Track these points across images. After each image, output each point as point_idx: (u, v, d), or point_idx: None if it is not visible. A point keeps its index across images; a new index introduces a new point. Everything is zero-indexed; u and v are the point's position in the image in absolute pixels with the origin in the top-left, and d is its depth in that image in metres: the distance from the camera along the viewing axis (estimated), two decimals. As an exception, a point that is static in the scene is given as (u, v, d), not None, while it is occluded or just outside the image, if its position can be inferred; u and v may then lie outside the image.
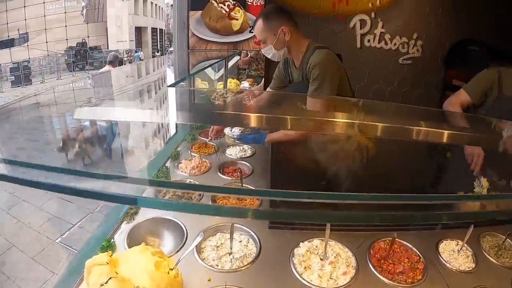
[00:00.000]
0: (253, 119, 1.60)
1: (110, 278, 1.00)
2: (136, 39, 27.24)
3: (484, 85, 2.00)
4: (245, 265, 1.29)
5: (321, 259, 1.30)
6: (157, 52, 30.77)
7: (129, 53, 24.35)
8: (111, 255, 1.11)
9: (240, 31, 3.71)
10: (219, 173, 2.03)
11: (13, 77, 16.94)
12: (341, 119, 1.46)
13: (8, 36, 23.26)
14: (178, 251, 1.35)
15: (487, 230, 1.52)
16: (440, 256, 1.37)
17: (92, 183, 0.68)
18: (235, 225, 1.43)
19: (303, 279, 1.23)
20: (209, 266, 1.28)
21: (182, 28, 3.68)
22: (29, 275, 2.96)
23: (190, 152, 2.29)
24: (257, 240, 1.41)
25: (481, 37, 3.47)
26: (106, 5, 25.31)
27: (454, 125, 1.82)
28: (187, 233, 1.44)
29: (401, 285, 1.22)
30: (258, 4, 3.61)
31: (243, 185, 1.81)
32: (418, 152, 1.93)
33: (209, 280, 1.21)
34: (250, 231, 1.46)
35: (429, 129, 1.39)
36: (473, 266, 1.33)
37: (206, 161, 2.16)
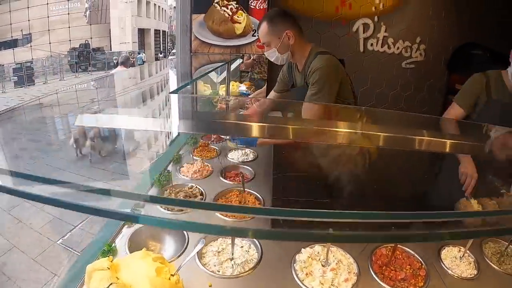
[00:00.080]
0: (254, 129, 1.60)
1: (111, 284, 1.00)
2: (139, 40, 27.30)
3: (474, 93, 2.00)
4: (247, 271, 1.28)
5: (322, 266, 1.30)
6: (160, 54, 30.85)
7: (132, 55, 24.43)
8: (112, 260, 1.11)
9: (243, 35, 3.70)
10: (221, 178, 2.03)
11: (16, 77, 17.03)
12: (338, 128, 1.47)
13: (12, 36, 23.39)
14: (179, 256, 1.34)
15: (490, 237, 1.51)
16: (442, 262, 1.36)
17: (91, 198, 0.67)
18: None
19: (305, 285, 1.22)
20: (210, 271, 1.27)
21: (184, 32, 3.69)
22: (30, 276, 2.96)
23: (192, 156, 2.28)
24: (259, 246, 1.41)
25: (484, 41, 3.48)
26: (109, 7, 25.40)
27: (453, 133, 1.83)
28: (188, 238, 1.44)
29: (403, 292, 1.22)
30: (261, 7, 3.62)
31: (245, 189, 1.81)
32: (419, 161, 1.93)
33: (210, 286, 1.21)
34: (251, 236, 1.46)
35: (430, 138, 1.39)
36: (475, 273, 1.32)
37: (208, 165, 2.15)
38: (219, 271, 1.28)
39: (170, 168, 2.15)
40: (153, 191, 1.85)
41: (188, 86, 2.36)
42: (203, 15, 3.68)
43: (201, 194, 1.83)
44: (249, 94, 3.74)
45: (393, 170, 1.91)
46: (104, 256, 1.27)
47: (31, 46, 23.74)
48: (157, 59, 29.16)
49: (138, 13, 26.78)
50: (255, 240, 1.44)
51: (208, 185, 1.92)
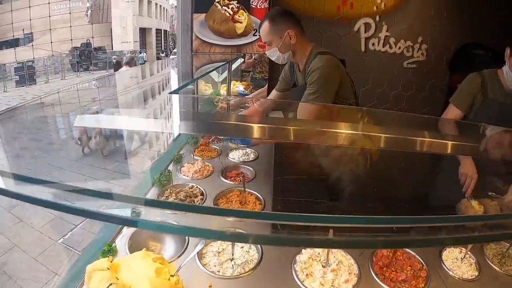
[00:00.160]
0: (255, 130, 1.60)
1: (110, 284, 1.00)
2: (140, 40, 27.34)
3: (470, 93, 1.99)
4: (247, 272, 1.28)
5: (323, 266, 1.29)
6: (162, 53, 30.86)
7: (133, 54, 24.46)
8: (111, 261, 1.11)
9: (244, 34, 3.69)
10: (221, 177, 2.02)
11: (18, 76, 17.07)
12: (335, 129, 1.47)
13: (13, 36, 23.45)
14: (179, 256, 1.34)
15: (494, 241, 1.50)
16: (443, 264, 1.36)
17: (88, 202, 0.67)
18: (237, 230, 1.42)
19: (305, 286, 1.22)
20: (211, 272, 1.27)
21: (185, 31, 3.68)
22: (30, 275, 2.97)
23: (193, 155, 2.28)
24: (259, 246, 1.40)
25: (486, 41, 3.46)
26: (111, 6, 25.43)
27: (453, 134, 1.82)
28: (188, 238, 1.43)
29: (403, 293, 1.21)
30: (262, 7, 3.61)
31: (246, 189, 1.81)
32: (419, 162, 1.93)
33: (210, 287, 1.20)
34: (252, 236, 1.45)
35: (430, 139, 1.38)
36: (477, 274, 1.31)
37: (208, 165, 2.15)
38: (219, 272, 1.27)
39: (170, 167, 2.15)
40: (153, 191, 1.85)
41: (190, 86, 2.35)
42: (204, 14, 3.67)
43: (202, 194, 1.82)
44: (246, 95, 3.71)
45: (393, 171, 1.90)
46: (104, 256, 1.27)
47: (32, 45, 23.80)
48: (158, 58, 29.20)
49: (139, 12, 26.81)
50: (255, 240, 1.44)
51: (209, 185, 1.91)
